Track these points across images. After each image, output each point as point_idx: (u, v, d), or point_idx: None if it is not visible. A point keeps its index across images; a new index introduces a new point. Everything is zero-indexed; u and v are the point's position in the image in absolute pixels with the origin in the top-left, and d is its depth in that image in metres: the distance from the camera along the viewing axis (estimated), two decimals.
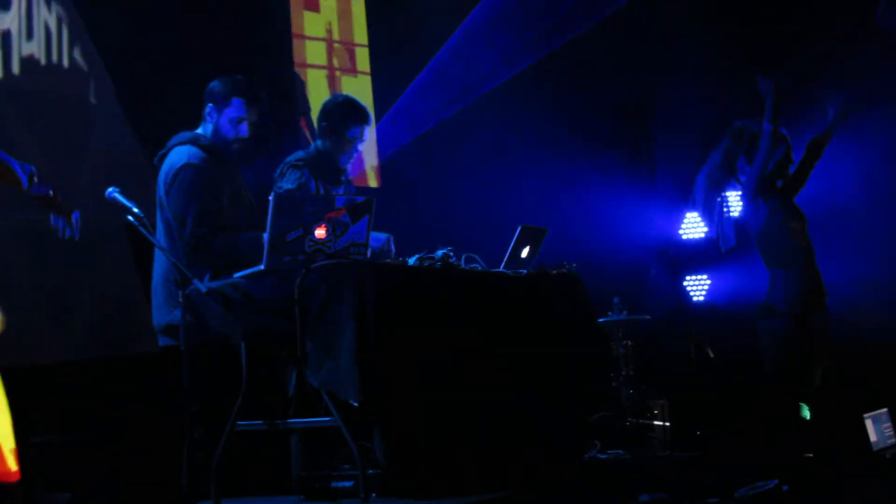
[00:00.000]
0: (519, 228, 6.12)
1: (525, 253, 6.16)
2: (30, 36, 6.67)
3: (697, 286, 9.37)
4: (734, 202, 8.14)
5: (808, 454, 6.94)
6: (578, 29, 9.19)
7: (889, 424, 7.88)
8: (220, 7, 7.71)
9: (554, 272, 6.22)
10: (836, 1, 9.10)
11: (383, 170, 8.83)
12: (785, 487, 4.14)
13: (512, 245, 6.08)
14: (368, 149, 8.62)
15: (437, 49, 9.20)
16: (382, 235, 6.08)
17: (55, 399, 5.92)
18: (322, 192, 6.12)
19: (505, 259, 6.07)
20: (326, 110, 6.29)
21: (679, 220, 9.53)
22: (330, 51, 9.06)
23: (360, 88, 8.99)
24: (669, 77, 9.28)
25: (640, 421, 7.55)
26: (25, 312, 6.01)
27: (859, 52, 8.98)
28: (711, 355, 8.51)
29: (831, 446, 7.07)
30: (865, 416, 7.67)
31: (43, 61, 6.74)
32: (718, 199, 7.15)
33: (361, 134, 6.27)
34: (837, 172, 8.55)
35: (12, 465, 3.67)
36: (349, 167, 6.47)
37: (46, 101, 6.68)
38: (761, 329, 6.82)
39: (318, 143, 6.30)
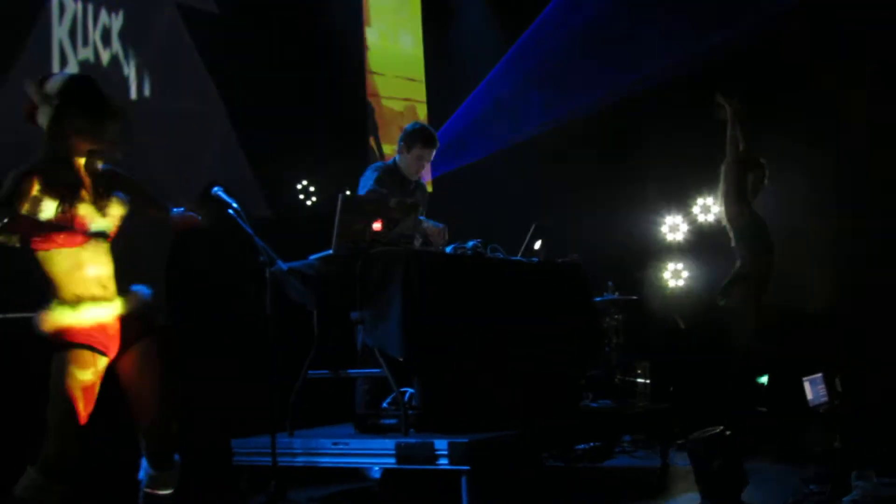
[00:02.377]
0: (533, 225, 6.14)
1: (538, 245, 6.16)
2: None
3: (676, 274, 9.30)
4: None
5: (760, 408, 6.90)
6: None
7: (823, 386, 7.82)
8: (312, 44, 7.76)
9: (560, 261, 6.23)
10: None
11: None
12: (728, 433, 4.11)
13: (528, 238, 6.09)
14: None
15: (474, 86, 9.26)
16: (440, 224, 6.13)
17: None
18: (393, 195, 6.13)
19: (522, 249, 6.08)
20: (405, 133, 6.31)
21: (662, 222, 9.46)
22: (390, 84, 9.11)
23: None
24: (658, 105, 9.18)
25: (627, 378, 7.55)
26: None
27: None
28: (682, 326, 8.47)
29: (776, 403, 7.03)
30: (804, 379, 7.63)
31: (170, 87, 6.77)
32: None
33: (429, 155, 6.30)
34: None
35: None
36: (421, 177, 6.51)
37: (171, 119, 6.73)
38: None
39: (397, 157, 6.33)
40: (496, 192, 8.88)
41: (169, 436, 3.93)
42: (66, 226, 3.62)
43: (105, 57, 6.36)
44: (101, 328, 3.72)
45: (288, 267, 5.24)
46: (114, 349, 3.77)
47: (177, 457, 4.01)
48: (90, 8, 6.28)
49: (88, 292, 3.71)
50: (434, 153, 6.34)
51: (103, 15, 6.36)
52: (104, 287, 3.76)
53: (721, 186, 7.03)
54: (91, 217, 3.71)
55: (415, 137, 6.23)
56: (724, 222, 7.02)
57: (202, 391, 5.90)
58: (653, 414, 6.37)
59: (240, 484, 5.22)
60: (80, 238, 3.67)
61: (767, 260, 6.88)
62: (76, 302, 3.68)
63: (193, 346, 6.02)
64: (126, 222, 3.89)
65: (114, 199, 3.81)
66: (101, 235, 3.75)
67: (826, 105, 8.63)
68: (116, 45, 6.43)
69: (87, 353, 3.65)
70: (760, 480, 5.12)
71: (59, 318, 3.66)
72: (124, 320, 3.81)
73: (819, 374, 7.79)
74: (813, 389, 7.76)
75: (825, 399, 7.76)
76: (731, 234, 6.99)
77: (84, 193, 3.71)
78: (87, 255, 3.70)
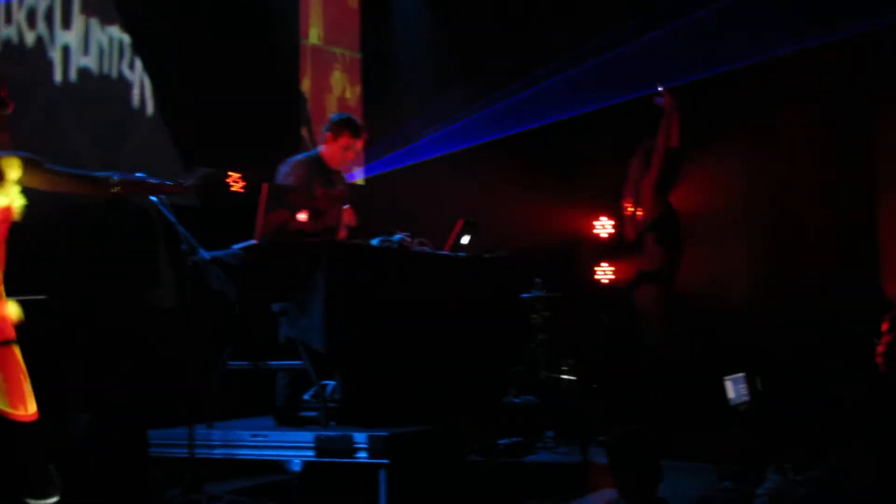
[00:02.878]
0: (462, 220, 6.12)
1: (465, 240, 6.14)
2: (86, 51, 6.60)
3: (604, 273, 9.38)
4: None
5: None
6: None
7: (744, 385, 7.91)
8: (244, 32, 7.65)
9: (487, 256, 6.22)
10: None
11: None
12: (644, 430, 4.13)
13: (455, 233, 6.07)
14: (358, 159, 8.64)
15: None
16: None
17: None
18: (317, 187, 6.06)
19: (448, 244, 6.05)
20: (332, 123, 6.22)
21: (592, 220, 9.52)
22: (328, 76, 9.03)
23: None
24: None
25: (552, 375, 7.55)
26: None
27: None
28: (606, 323, 8.52)
29: (698, 401, 7.08)
30: (725, 378, 7.70)
31: (96, 72, 6.66)
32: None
33: (357, 146, 6.20)
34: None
35: (32, 407, 3.64)
36: (344, 169, 6.42)
37: (97, 104, 6.61)
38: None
39: (320, 147, 6.24)
40: (425, 188, 8.85)
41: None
42: None
43: (29, 38, 6.21)
44: None
45: (210, 256, 5.16)
46: None
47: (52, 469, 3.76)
48: None
49: None
50: (362, 144, 6.25)
51: None
52: None
53: (641, 175, 7.02)
54: None
55: (342, 127, 6.13)
56: (636, 212, 6.98)
57: (119, 381, 5.80)
58: (574, 410, 6.39)
59: (155, 475, 5.13)
60: None
61: (676, 257, 6.85)
62: None
63: (111, 336, 5.92)
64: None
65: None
66: None
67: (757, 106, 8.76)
68: (42, 26, 6.28)
69: None
70: (677, 477, 5.15)
71: None
72: None
73: (741, 374, 7.88)
74: (734, 388, 7.84)
75: (746, 398, 7.86)
76: (641, 226, 6.95)
77: None
78: None
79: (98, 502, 3.87)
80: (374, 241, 5.70)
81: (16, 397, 3.60)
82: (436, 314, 5.53)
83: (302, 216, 5.15)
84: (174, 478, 5.04)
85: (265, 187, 5.06)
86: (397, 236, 5.69)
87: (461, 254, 6.04)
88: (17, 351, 3.67)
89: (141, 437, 5.17)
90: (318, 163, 6.14)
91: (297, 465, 5.87)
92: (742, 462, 5.53)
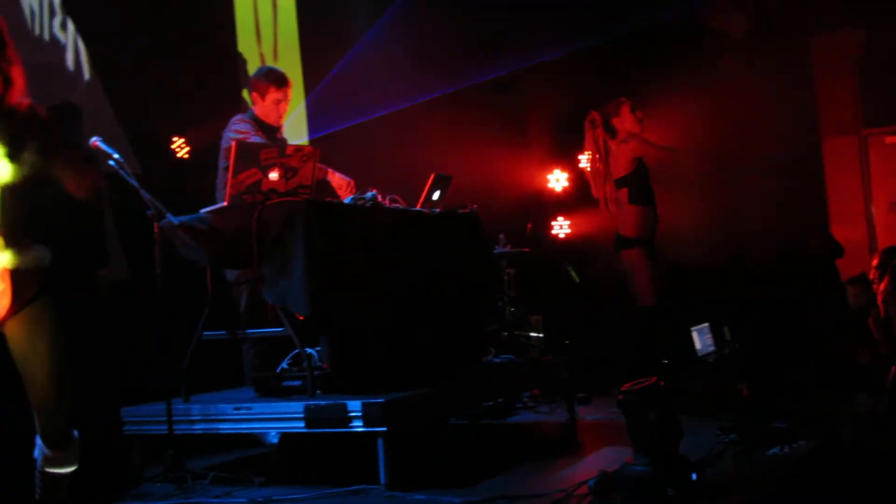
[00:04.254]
0: (432, 175, 5.86)
1: (436, 196, 5.91)
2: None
3: (562, 227, 9.21)
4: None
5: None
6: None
7: (710, 336, 7.86)
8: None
9: (459, 211, 5.98)
10: None
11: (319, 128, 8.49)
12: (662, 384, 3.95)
13: (426, 189, 5.82)
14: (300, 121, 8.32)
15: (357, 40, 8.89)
16: (347, 177, 5.84)
17: None
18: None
19: (420, 200, 5.80)
20: (255, 80, 5.89)
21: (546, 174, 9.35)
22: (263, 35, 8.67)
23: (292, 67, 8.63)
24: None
25: (520, 333, 7.37)
26: None
27: None
28: (577, 280, 8.36)
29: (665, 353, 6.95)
30: (692, 329, 7.63)
31: (26, 35, 6.24)
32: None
33: (286, 96, 5.84)
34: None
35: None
36: (282, 128, 6.09)
37: (31, 69, 6.18)
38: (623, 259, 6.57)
39: (252, 109, 5.91)
40: (388, 147, 8.57)
41: (63, 412, 3.47)
42: None
43: None
44: None
45: (179, 221, 4.82)
46: None
47: (76, 433, 3.54)
48: None
49: None
50: (289, 93, 5.89)
51: None
52: None
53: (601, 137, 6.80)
54: None
55: (266, 81, 5.79)
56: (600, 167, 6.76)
57: (86, 356, 5.44)
58: (556, 367, 6.20)
59: (131, 455, 4.81)
60: None
61: (653, 215, 6.68)
62: None
63: (76, 308, 5.55)
64: None
65: None
66: None
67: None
68: None
69: None
70: None
71: None
72: (14, 276, 3.35)
73: (706, 324, 7.82)
74: (700, 339, 7.78)
75: (712, 348, 7.80)
76: (608, 183, 6.72)
77: None
78: None
79: (74, 485, 3.56)
80: (347, 200, 5.42)
81: None
82: (413, 272, 5.28)
83: (274, 175, 4.84)
84: (151, 457, 4.76)
85: (234, 145, 4.74)
86: (370, 193, 5.42)
87: (434, 210, 5.79)
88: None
89: (114, 416, 4.85)
90: (257, 123, 5.82)
91: (274, 438, 5.61)
92: (735, 413, 5.44)
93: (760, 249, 9.12)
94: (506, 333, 7.08)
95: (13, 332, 3.37)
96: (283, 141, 6.04)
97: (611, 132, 6.66)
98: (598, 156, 6.71)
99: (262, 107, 5.82)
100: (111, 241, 6.17)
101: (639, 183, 6.54)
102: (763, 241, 9.16)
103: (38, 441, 3.50)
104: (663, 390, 3.84)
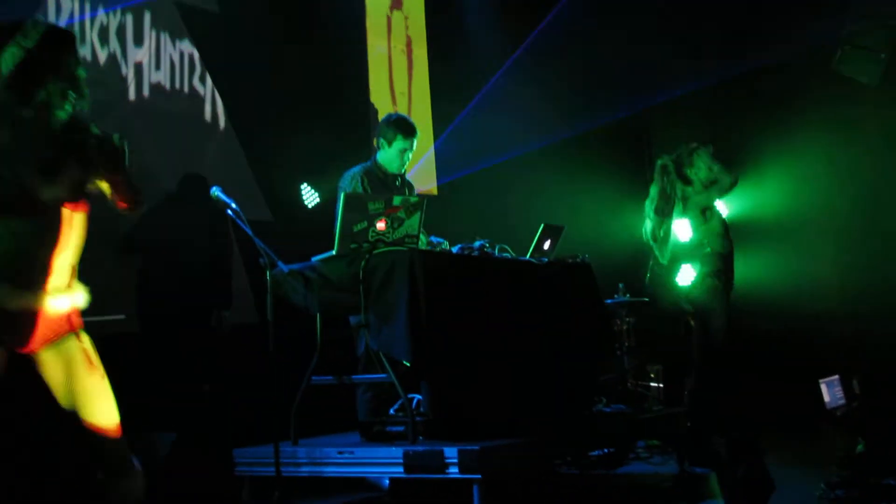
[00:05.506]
0: (542, 225, 5.92)
1: (547, 245, 5.95)
2: (158, 67, 6.53)
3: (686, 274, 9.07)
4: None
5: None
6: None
7: (839, 388, 7.61)
8: (311, 45, 7.56)
9: (570, 261, 6.00)
10: None
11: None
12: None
13: (536, 239, 5.88)
14: (429, 167, 8.50)
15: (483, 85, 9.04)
16: (440, 239, 5.90)
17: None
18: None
19: (530, 250, 5.86)
20: (382, 127, 6.08)
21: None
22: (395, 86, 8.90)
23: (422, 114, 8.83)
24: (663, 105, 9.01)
25: (639, 382, 7.30)
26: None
27: None
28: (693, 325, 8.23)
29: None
30: (821, 381, 7.41)
31: (168, 87, 6.60)
32: (664, 225, 6.72)
33: (412, 146, 6.03)
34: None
35: (115, 420, 3.47)
36: (406, 173, 6.25)
37: (171, 118, 6.54)
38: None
39: (376, 156, 6.09)
40: (501, 195, 8.66)
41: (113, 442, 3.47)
42: None
43: (102, 56, 6.15)
44: None
45: (289, 269, 5.02)
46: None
47: (136, 461, 3.56)
48: (87, 5, 6.07)
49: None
50: (415, 143, 6.05)
51: (101, 13, 6.16)
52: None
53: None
54: None
55: (393, 130, 5.97)
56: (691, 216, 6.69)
57: (202, 399, 5.69)
58: (668, 418, 6.14)
59: (242, 495, 5.00)
60: None
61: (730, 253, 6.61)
62: None
63: (194, 353, 5.82)
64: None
65: None
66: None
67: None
68: (114, 43, 6.23)
69: None
70: (781, 485, 4.90)
71: None
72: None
73: (836, 376, 7.58)
74: (830, 392, 7.55)
75: (842, 401, 7.55)
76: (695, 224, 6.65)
77: None
78: None
79: None
80: (455, 249, 5.53)
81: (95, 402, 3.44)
82: (521, 322, 5.33)
83: (381, 225, 4.99)
84: (261, 497, 4.92)
85: (342, 197, 4.91)
86: (478, 243, 5.52)
87: (543, 259, 5.84)
88: (85, 344, 3.45)
89: (226, 457, 5.05)
90: (376, 172, 6.00)
91: (386, 482, 5.71)
92: (849, 469, 5.27)
93: None
94: (624, 384, 7.03)
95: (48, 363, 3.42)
96: (408, 187, 6.21)
97: (683, 180, 6.61)
98: (666, 204, 6.66)
99: (386, 153, 6.01)
100: (239, 282, 6.44)
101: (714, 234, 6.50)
102: None
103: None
104: (751, 443, 3.79)
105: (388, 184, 6.01)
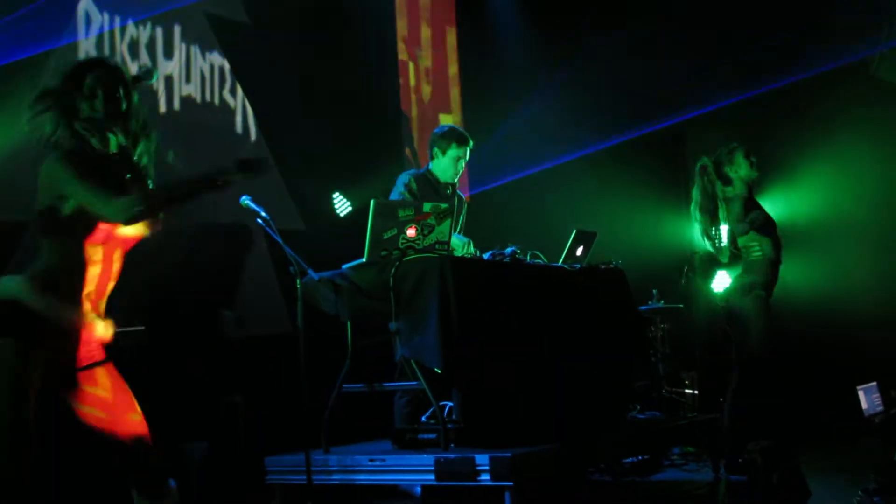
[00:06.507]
0: (574, 231, 5.88)
1: (579, 252, 5.92)
2: (188, 80, 6.57)
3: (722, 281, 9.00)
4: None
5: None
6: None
7: (878, 395, 7.52)
8: (341, 54, 7.58)
9: (602, 267, 5.96)
10: None
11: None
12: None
13: (568, 245, 5.84)
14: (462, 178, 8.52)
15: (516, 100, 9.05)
16: (464, 238, 5.88)
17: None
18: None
19: (563, 256, 5.82)
20: (437, 136, 6.12)
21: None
22: (424, 94, 8.90)
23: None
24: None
25: (674, 389, 7.24)
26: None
27: None
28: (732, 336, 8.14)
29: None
30: (858, 387, 7.32)
31: (198, 100, 6.64)
32: (713, 225, 6.64)
33: (465, 154, 6.10)
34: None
35: (143, 427, 3.48)
36: (457, 181, 6.27)
37: (200, 132, 6.57)
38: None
39: (430, 164, 6.12)
40: (534, 201, 8.64)
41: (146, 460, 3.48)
42: None
43: (133, 69, 6.19)
44: None
45: (319, 277, 5.02)
46: None
47: (172, 482, 3.54)
48: (117, 19, 6.12)
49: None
50: (469, 152, 6.11)
51: (131, 27, 6.20)
52: None
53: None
54: None
55: (448, 138, 6.05)
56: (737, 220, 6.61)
57: (233, 408, 5.70)
58: (703, 425, 6.07)
59: (274, 503, 4.99)
60: None
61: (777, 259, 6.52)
62: None
63: (225, 362, 5.83)
64: None
65: None
66: None
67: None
68: (145, 56, 6.27)
69: None
70: (816, 492, 4.84)
71: None
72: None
73: (874, 383, 7.48)
74: (867, 398, 7.45)
75: (880, 408, 7.45)
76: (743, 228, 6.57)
77: None
78: None
79: None
80: (486, 255, 5.51)
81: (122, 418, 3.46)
82: (553, 328, 5.29)
83: (411, 231, 4.98)
84: None
85: (372, 204, 4.90)
86: (509, 249, 5.49)
87: (576, 265, 5.80)
88: (109, 372, 3.48)
89: (258, 465, 5.04)
90: (428, 179, 6.06)
91: (419, 489, 5.69)
92: (888, 475, 5.18)
93: None
94: (658, 390, 6.97)
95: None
96: (457, 197, 6.22)
97: (723, 179, 6.54)
98: (708, 205, 6.58)
99: (440, 161, 6.07)
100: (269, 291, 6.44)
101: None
102: None
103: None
104: (786, 450, 3.74)
105: (439, 191, 6.04)
